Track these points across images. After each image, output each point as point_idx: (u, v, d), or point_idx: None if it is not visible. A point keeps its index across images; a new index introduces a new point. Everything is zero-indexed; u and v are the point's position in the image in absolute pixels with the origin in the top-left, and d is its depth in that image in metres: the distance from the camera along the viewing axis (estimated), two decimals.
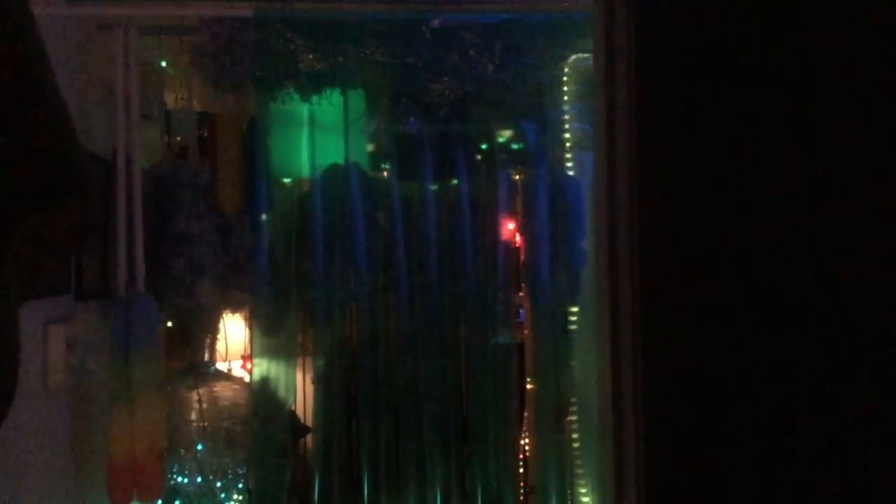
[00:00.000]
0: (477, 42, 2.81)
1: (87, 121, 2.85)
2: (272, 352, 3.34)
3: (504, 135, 3.39)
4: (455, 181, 3.21)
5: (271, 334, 3.29)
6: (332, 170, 3.22)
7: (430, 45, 2.81)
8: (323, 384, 3.26)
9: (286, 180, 3.31)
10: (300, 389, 3.48)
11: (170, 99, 3.72)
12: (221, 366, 4.70)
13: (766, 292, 1.32)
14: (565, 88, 3.38)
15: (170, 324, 3.40)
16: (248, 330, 4.27)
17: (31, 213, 0.75)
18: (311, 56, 2.81)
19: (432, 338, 3.22)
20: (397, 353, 3.22)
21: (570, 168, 3.17)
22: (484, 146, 3.31)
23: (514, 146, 3.33)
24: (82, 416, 2.73)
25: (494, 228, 3.39)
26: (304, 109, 3.25)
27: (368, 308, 3.16)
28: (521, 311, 3.59)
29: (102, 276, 2.90)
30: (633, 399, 1.36)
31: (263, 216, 3.19)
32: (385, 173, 3.36)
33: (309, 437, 3.70)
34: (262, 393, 3.26)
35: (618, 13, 1.40)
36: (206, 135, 3.20)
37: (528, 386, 3.71)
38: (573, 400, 3.76)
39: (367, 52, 2.79)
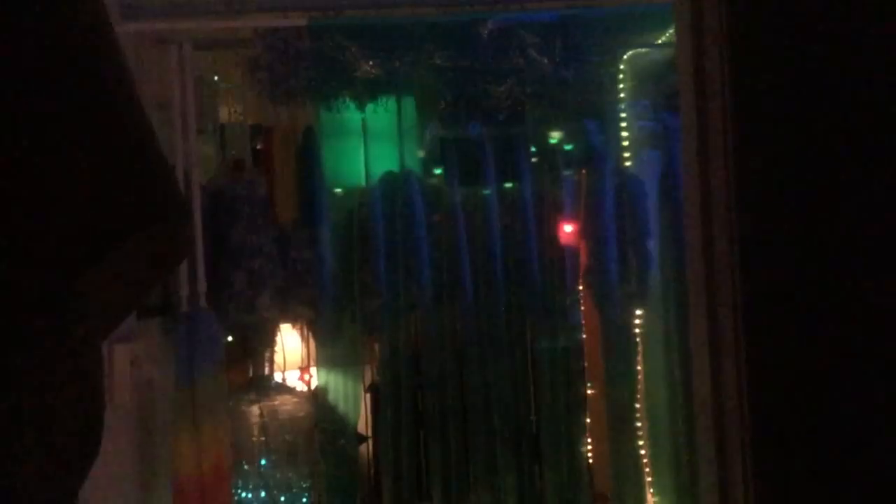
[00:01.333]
0: (536, 41, 2.74)
1: None
2: (336, 364, 3.30)
3: (555, 136, 3.31)
4: (513, 184, 3.14)
5: (334, 346, 3.26)
6: (389, 177, 3.18)
7: (487, 47, 2.75)
8: (387, 394, 3.21)
9: (337, 190, 3.28)
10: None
11: (223, 113, 3.72)
12: (278, 377, 4.71)
13: (879, 293, 1.23)
14: (621, 86, 3.30)
15: (230, 338, 3.38)
16: (304, 341, 4.26)
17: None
18: (367, 63, 2.76)
19: (498, 344, 3.16)
20: (463, 361, 3.16)
21: (631, 167, 3.07)
22: (542, 147, 3.25)
23: (567, 147, 3.26)
24: (148, 433, 2.72)
25: (556, 231, 3.32)
26: (356, 118, 3.22)
27: (433, 316, 3.11)
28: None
29: (163, 293, 2.89)
30: (739, 417, 1.27)
31: (321, 227, 3.16)
32: (437, 180, 3.32)
33: (363, 447, 3.68)
34: (326, 406, 3.22)
35: None
36: (260, 147, 3.18)
37: (589, 391, 3.63)
38: (637, 406, 3.68)
39: (424, 56, 2.74)
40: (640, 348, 3.58)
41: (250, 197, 3.02)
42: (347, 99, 2.95)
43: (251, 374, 3.48)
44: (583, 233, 3.34)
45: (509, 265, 3.13)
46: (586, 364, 3.56)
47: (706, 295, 1.34)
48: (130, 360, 2.49)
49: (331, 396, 3.36)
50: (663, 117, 2.93)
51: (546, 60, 2.75)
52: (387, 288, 3.10)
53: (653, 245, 3.07)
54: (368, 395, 3.52)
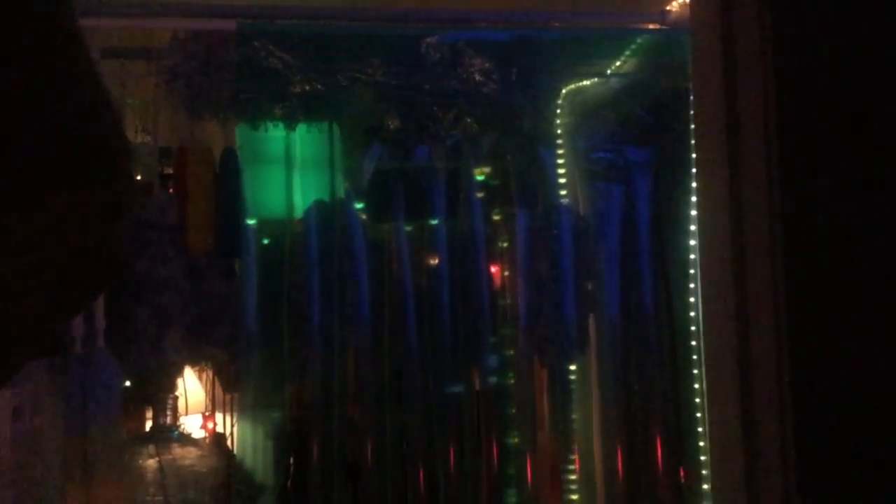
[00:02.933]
0: (485, 63, 2.53)
1: None
2: (255, 415, 2.97)
3: (484, 171, 3.13)
4: (456, 219, 2.93)
5: (254, 391, 2.94)
6: (322, 207, 2.90)
7: (435, 65, 2.52)
8: (315, 441, 2.90)
9: (251, 222, 2.98)
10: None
11: (129, 132, 3.38)
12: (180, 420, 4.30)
13: None
14: (559, 120, 3.14)
15: (128, 383, 3.00)
16: (209, 384, 3.88)
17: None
18: (301, 76, 2.49)
19: (443, 386, 2.92)
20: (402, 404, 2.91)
21: (591, 200, 2.89)
22: (486, 180, 3.05)
23: (494, 182, 3.07)
24: (31, 497, 2.32)
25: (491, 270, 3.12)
26: (280, 142, 2.94)
27: (369, 355, 2.84)
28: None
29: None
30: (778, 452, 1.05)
31: (241, 258, 2.85)
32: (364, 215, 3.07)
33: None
34: (244, 459, 2.88)
35: None
36: (172, 171, 2.85)
37: (514, 440, 3.41)
38: (571, 458, 3.48)
39: (366, 71, 2.49)
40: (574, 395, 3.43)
41: (158, 223, 2.69)
42: (277, 118, 2.66)
43: (151, 423, 3.10)
44: (517, 273, 3.14)
45: (455, 303, 2.89)
46: (514, 411, 3.38)
47: (736, 315, 1.13)
48: (12, 408, 2.11)
49: (249, 455, 3.02)
50: (623, 149, 2.77)
51: (495, 84, 2.55)
52: (319, 326, 2.81)
53: (592, 287, 2.90)
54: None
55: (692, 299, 2.58)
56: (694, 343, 2.61)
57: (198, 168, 2.75)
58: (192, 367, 3.08)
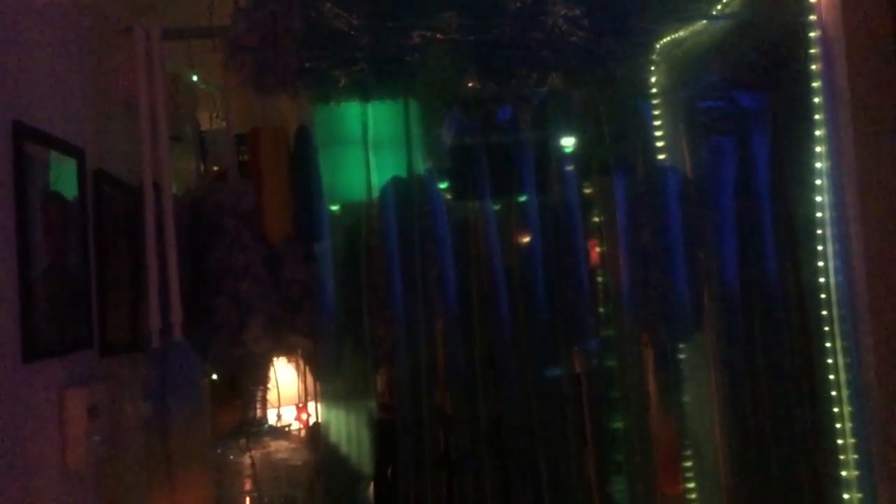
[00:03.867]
0: (571, 11, 2.29)
1: (107, 141, 2.39)
2: (340, 404, 2.85)
3: (570, 143, 2.89)
4: (545, 193, 2.71)
5: (336, 380, 2.81)
6: (400, 183, 2.74)
7: (515, 16, 2.29)
8: (405, 431, 2.75)
9: (334, 207, 2.84)
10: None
11: (203, 119, 3.29)
12: (272, 413, 4.24)
13: None
14: (654, 78, 2.86)
15: (214, 376, 2.91)
16: (301, 375, 3.80)
17: None
18: (371, 39, 2.31)
19: (540, 370, 2.72)
20: (496, 390, 2.71)
21: (701, 157, 2.61)
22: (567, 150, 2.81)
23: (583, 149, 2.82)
24: (112, 500, 2.24)
25: (581, 247, 2.89)
26: (356, 120, 2.79)
27: (459, 338, 2.66)
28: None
29: (132, 326, 2.42)
30: None
31: (319, 243, 2.71)
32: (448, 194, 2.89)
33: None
34: (331, 451, 2.75)
35: None
36: (247, 156, 2.73)
37: (617, 425, 3.18)
38: (686, 443, 3.23)
39: (441, 27, 2.28)
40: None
41: (235, 209, 2.56)
42: (347, 86, 2.49)
43: (241, 416, 3.01)
44: (617, 246, 2.89)
45: (550, 280, 2.68)
46: (619, 395, 3.15)
47: None
48: (88, 409, 2.02)
49: (334, 438, 2.90)
50: (735, 96, 2.48)
51: (584, 32, 2.30)
52: (404, 310, 2.65)
53: (704, 256, 2.62)
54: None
55: (821, 263, 2.29)
56: (825, 313, 2.32)
57: (272, 149, 2.62)
58: (279, 357, 2.97)
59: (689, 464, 3.22)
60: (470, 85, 2.37)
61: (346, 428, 2.93)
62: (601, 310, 3.08)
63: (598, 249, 3.02)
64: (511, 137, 2.74)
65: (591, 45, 2.27)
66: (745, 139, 2.48)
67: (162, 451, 2.21)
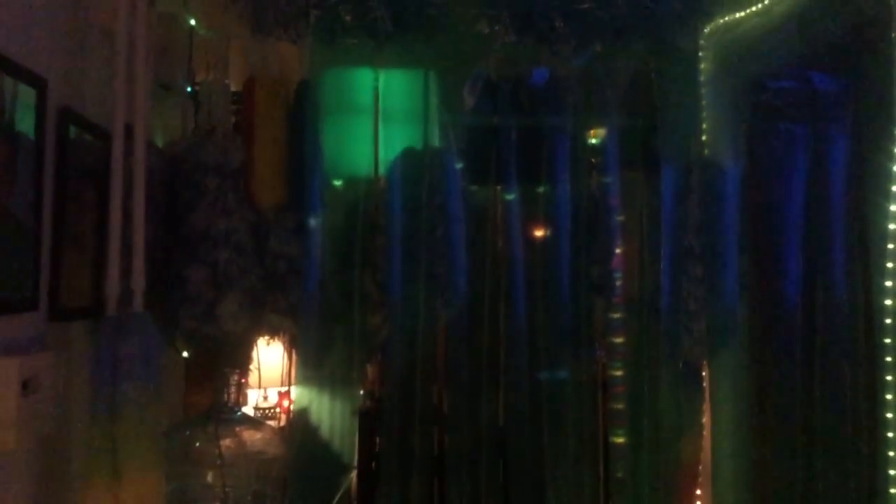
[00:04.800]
0: None
1: (79, 76, 2.08)
2: (325, 391, 2.54)
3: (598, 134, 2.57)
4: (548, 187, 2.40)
5: (320, 368, 2.50)
6: (412, 156, 2.43)
7: None
8: (391, 428, 2.45)
9: (336, 182, 2.54)
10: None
11: (200, 69, 2.96)
12: (256, 394, 3.92)
13: None
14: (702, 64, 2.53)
15: (185, 354, 2.61)
16: (288, 358, 3.49)
17: None
18: None
19: (557, 373, 2.42)
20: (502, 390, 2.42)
21: (765, 145, 2.27)
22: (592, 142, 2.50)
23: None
24: (49, 490, 1.94)
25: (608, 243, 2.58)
26: (368, 87, 2.48)
27: (464, 333, 2.36)
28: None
29: (96, 289, 2.11)
30: None
31: (314, 215, 2.40)
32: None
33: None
34: (307, 451, 2.45)
35: None
36: (241, 108, 2.42)
37: (618, 440, 2.88)
38: (700, 468, 2.92)
39: None
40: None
41: (220, 167, 2.26)
42: (359, 38, 2.18)
43: (212, 400, 2.71)
44: (645, 249, 2.57)
45: (571, 279, 2.38)
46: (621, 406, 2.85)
47: None
48: (23, 382, 1.72)
49: (314, 427, 2.60)
50: (810, 77, 2.14)
51: None
52: (404, 297, 2.35)
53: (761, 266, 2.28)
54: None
55: (888, 283, 1.96)
56: (888, 341, 1.99)
57: (268, 102, 2.32)
58: (258, 337, 2.66)
59: (698, 492, 2.93)
60: (503, 38, 2.03)
61: (329, 417, 2.61)
62: (615, 315, 2.79)
63: (618, 251, 2.72)
64: (542, 116, 2.41)
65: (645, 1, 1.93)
66: (821, 130, 2.13)
67: (107, 435, 1.90)
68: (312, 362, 2.37)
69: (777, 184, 2.20)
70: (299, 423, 2.40)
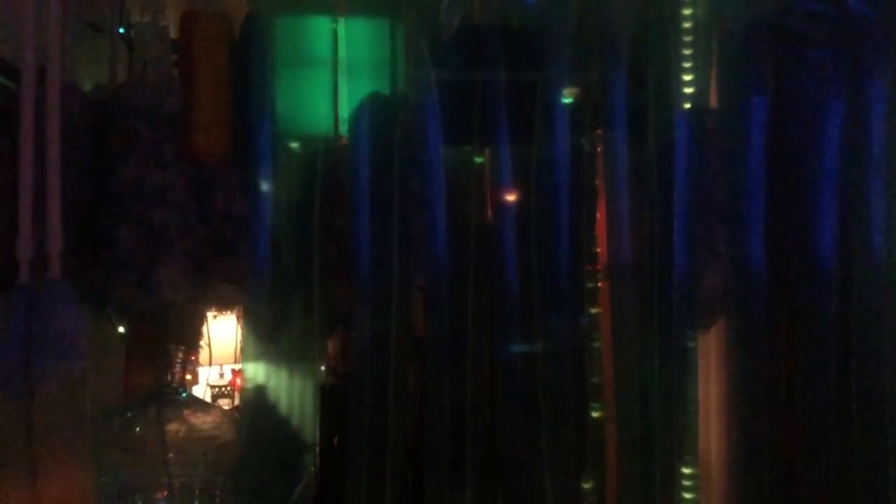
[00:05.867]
0: None
1: None
2: (281, 367, 2.27)
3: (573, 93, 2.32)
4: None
5: (273, 341, 2.23)
6: (380, 103, 2.15)
7: None
8: (361, 409, 2.19)
9: (293, 144, 2.26)
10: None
11: (136, 9, 2.65)
12: (205, 373, 3.66)
13: None
14: None
15: (121, 329, 2.33)
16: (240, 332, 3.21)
17: None
18: None
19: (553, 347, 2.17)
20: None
21: (789, 82, 1.99)
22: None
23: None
24: None
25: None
26: (325, 36, 2.20)
27: (443, 308, 2.11)
28: None
29: (7, 254, 1.81)
30: None
31: (264, 168, 2.11)
32: None
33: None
34: (259, 430, 2.18)
35: None
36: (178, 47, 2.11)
37: (595, 414, 2.67)
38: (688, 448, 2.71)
39: None
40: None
41: (153, 113, 1.96)
42: None
43: (154, 380, 2.43)
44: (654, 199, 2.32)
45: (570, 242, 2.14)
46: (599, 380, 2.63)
47: None
48: None
49: (269, 405, 2.32)
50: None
51: None
52: (373, 263, 2.08)
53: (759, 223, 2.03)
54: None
55: None
56: None
57: (210, 39, 2.02)
58: (207, 309, 2.38)
59: (688, 471, 2.72)
60: None
61: (285, 396, 2.34)
62: (597, 283, 2.55)
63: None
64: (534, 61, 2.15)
65: None
66: (858, 59, 1.86)
67: (19, 424, 1.62)
68: (263, 336, 2.09)
69: (807, 124, 1.93)
70: (249, 403, 2.13)
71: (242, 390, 2.37)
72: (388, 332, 2.08)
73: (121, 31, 2.38)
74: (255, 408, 2.23)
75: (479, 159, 2.34)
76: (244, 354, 2.16)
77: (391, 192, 2.06)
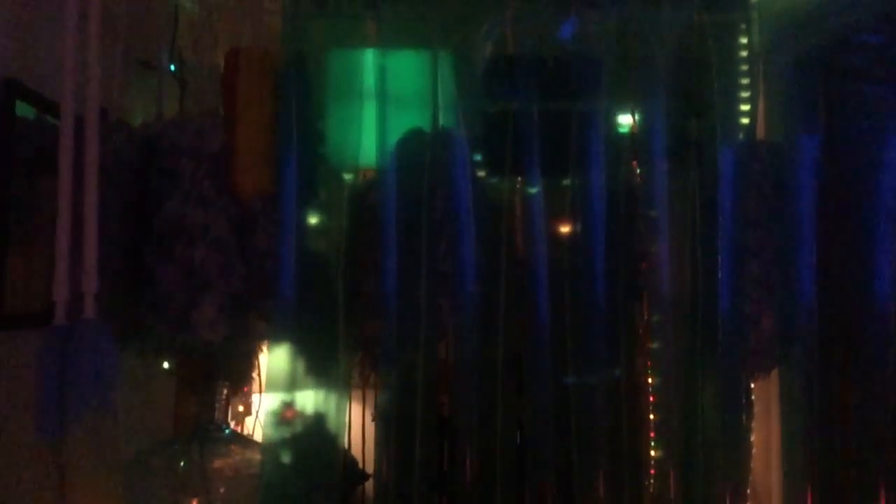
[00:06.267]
0: None
1: (34, 42, 1.80)
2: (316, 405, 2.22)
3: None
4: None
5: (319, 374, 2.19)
6: (416, 139, 2.11)
7: None
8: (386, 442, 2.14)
9: (348, 176, 2.23)
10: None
11: (189, 46, 2.68)
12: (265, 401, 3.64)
13: None
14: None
15: (166, 365, 2.32)
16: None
17: None
18: None
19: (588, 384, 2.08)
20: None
21: (840, 118, 1.90)
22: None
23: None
24: None
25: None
26: (372, 69, 2.16)
27: (473, 344, 2.05)
28: None
29: (45, 293, 1.81)
30: None
31: (309, 206, 2.09)
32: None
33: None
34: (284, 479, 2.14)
35: None
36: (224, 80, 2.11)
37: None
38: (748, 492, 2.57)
39: None
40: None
41: (196, 150, 1.95)
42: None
43: (197, 417, 2.41)
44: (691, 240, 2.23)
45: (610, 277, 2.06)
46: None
47: None
48: None
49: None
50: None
51: None
52: (399, 302, 2.03)
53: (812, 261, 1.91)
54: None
55: None
56: None
57: (254, 75, 2.01)
58: (251, 345, 2.35)
59: None
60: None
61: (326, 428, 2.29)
62: (653, 318, 2.45)
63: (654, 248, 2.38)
64: (570, 91, 2.08)
65: None
66: None
67: (53, 466, 1.61)
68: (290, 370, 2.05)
69: (861, 160, 1.81)
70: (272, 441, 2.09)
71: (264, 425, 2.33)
72: (415, 369, 2.03)
73: (171, 68, 2.39)
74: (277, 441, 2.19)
75: (532, 190, 2.27)
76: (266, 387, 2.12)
77: (422, 228, 2.01)
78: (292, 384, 2.08)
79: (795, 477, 2.15)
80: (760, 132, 2.04)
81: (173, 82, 2.46)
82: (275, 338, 2.03)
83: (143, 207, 1.99)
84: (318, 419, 2.15)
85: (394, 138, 2.16)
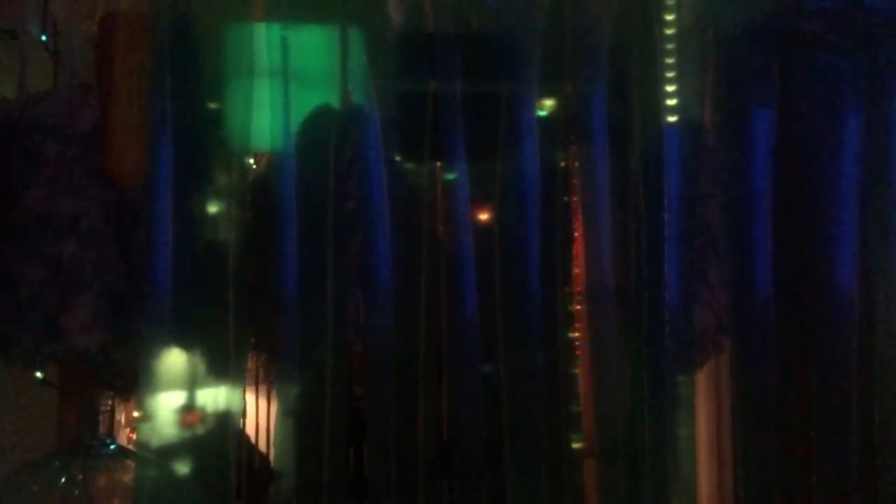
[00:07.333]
0: None
1: None
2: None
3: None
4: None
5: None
6: (323, 116, 1.90)
7: None
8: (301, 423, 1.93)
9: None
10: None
11: (64, 12, 2.40)
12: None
13: None
14: None
15: (40, 375, 2.05)
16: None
17: None
18: None
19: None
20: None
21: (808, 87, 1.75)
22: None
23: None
24: None
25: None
26: (274, 45, 1.93)
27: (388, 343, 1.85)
28: None
29: None
30: None
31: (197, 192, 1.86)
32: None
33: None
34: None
35: None
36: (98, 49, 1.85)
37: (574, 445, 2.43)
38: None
39: None
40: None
41: (62, 130, 1.70)
42: None
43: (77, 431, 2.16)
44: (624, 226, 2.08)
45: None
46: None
47: None
48: None
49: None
50: None
51: None
52: (301, 295, 1.82)
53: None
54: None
55: None
56: None
57: (130, 44, 1.76)
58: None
59: None
60: None
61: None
62: (575, 307, 2.32)
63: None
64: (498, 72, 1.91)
65: None
66: (876, 62, 1.61)
67: None
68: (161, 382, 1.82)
69: (818, 137, 1.67)
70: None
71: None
72: (322, 372, 1.83)
73: (42, 38, 2.11)
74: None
75: (453, 175, 2.10)
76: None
77: (326, 215, 1.80)
78: (181, 385, 1.85)
79: (751, 481, 2.03)
80: (710, 109, 1.89)
81: (46, 55, 2.19)
82: (150, 338, 1.78)
83: (2, 197, 1.73)
84: (208, 421, 1.93)
85: (297, 118, 1.94)
